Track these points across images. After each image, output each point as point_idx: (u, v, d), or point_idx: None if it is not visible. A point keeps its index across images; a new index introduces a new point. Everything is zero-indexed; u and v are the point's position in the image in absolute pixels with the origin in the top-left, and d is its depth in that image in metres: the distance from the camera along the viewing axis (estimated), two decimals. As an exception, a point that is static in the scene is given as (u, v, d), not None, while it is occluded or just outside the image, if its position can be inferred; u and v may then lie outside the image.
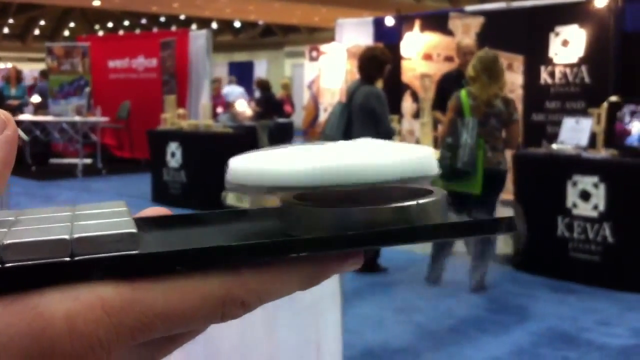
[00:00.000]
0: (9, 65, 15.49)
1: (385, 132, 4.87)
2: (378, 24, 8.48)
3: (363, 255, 0.37)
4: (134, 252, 0.31)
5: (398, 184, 0.36)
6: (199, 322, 0.33)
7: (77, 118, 11.14)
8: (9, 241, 0.30)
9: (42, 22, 28.00)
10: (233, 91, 13.54)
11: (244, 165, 0.37)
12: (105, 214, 0.35)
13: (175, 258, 0.31)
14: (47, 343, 0.28)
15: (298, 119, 12.61)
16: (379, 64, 5.02)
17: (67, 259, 0.30)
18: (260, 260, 0.33)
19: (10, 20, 26.65)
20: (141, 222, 0.36)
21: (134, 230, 0.31)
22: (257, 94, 11.66)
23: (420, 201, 0.36)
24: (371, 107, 4.88)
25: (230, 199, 7.41)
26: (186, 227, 0.38)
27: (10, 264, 0.29)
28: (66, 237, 0.30)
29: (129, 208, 0.36)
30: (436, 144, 5.06)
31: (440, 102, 5.82)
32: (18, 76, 12.41)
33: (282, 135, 11.93)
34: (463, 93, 4.59)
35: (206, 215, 0.39)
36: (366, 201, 0.36)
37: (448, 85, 5.53)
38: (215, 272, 0.32)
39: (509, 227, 0.36)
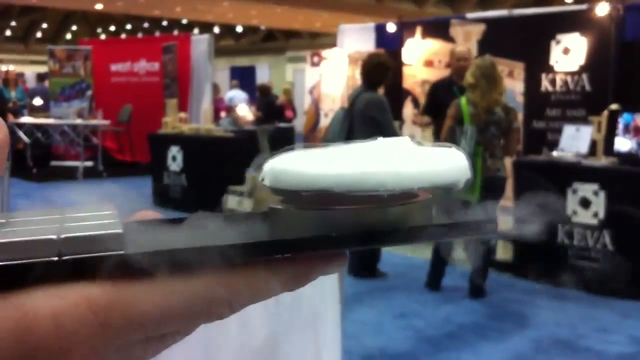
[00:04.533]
0: (11, 67, 15.52)
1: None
2: (380, 30, 8.50)
3: (347, 257, 0.37)
4: (119, 252, 0.31)
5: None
6: (184, 321, 0.33)
7: (78, 121, 11.16)
8: None
9: (44, 25, 28.03)
10: (237, 95, 13.54)
11: (283, 168, 0.38)
12: (93, 216, 0.35)
13: (160, 258, 0.32)
14: (34, 342, 0.29)
15: (299, 124, 12.62)
16: (384, 71, 5.02)
17: (55, 258, 0.30)
18: (244, 261, 0.34)
19: (13, 23, 26.69)
20: (130, 225, 0.36)
21: (119, 231, 0.32)
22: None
23: (404, 203, 0.37)
24: (371, 115, 4.89)
25: (231, 202, 7.41)
26: (174, 229, 0.38)
27: None
28: (54, 237, 0.30)
29: (116, 211, 0.37)
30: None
31: (429, 108, 5.64)
32: (16, 79, 12.43)
33: (282, 140, 11.95)
34: (463, 101, 4.59)
35: (194, 218, 0.39)
36: (352, 203, 0.36)
37: (440, 92, 5.45)
38: (200, 272, 0.33)
39: (490, 229, 0.37)
